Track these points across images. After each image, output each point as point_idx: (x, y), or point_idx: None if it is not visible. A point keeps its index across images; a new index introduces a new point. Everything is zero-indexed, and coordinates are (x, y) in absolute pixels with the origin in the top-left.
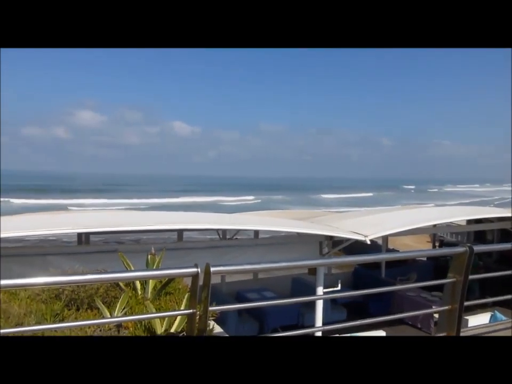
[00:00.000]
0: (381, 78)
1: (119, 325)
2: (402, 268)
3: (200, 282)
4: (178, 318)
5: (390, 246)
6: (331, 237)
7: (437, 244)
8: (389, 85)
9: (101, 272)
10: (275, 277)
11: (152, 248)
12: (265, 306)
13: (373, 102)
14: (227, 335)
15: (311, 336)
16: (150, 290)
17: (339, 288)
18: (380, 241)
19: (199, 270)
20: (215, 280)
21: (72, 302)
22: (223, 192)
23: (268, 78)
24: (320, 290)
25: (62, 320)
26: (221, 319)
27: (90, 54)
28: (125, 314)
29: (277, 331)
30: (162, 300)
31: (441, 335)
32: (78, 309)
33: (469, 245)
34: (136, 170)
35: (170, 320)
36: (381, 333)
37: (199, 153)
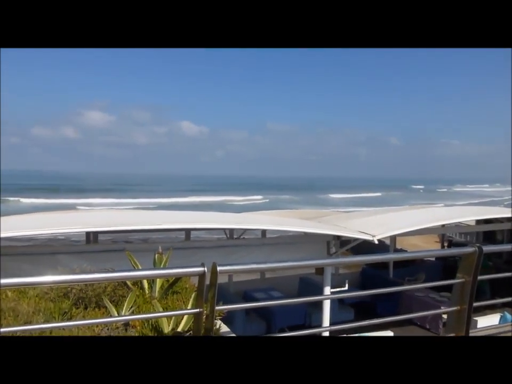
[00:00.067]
0: (389, 77)
1: (126, 324)
2: (411, 268)
3: (207, 281)
4: (185, 317)
5: (398, 246)
6: (338, 237)
7: (445, 244)
8: (400, 84)
9: (108, 271)
10: (282, 277)
11: (160, 247)
12: (272, 306)
13: (379, 101)
14: (234, 335)
15: (318, 336)
16: (157, 289)
17: (346, 288)
18: (387, 241)
19: (205, 269)
20: (222, 279)
21: (80, 301)
22: (231, 192)
23: (273, 78)
24: (327, 290)
25: (70, 319)
26: (228, 318)
27: (97, 54)
28: (133, 313)
29: (284, 331)
30: (170, 299)
31: (450, 335)
32: (86, 308)
33: (478, 245)
34: (144, 170)
35: (177, 319)
36: (389, 333)
37: (206, 152)
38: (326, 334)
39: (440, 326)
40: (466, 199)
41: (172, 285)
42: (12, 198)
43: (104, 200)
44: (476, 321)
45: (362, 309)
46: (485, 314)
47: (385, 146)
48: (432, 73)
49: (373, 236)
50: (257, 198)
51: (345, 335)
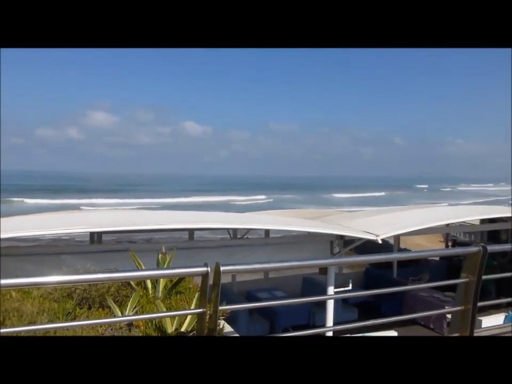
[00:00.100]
0: (393, 76)
1: (130, 324)
2: (415, 267)
3: (210, 281)
4: (189, 317)
5: (402, 246)
6: (342, 236)
7: (449, 244)
8: (400, 84)
9: (112, 271)
10: (286, 276)
11: (163, 247)
12: (276, 305)
13: (379, 101)
14: (237, 335)
15: (322, 336)
16: (160, 289)
17: (350, 288)
18: (391, 241)
19: (208, 269)
20: (226, 279)
21: (84, 301)
22: (234, 192)
23: (274, 78)
24: (331, 290)
25: (74, 319)
26: (231, 318)
27: (97, 54)
28: (136, 313)
29: (287, 331)
30: (173, 299)
31: (454, 335)
32: (89, 308)
33: (482, 244)
34: (148, 170)
35: (180, 319)
36: (393, 333)
37: (210, 152)
38: (330, 334)
39: (445, 326)
40: (470, 198)
41: (175, 285)
42: (16, 199)
43: (108, 201)
44: (481, 321)
45: (366, 308)
46: (490, 314)
47: (388, 146)
48: (432, 73)
49: (377, 236)
50: (260, 198)
51: (349, 335)
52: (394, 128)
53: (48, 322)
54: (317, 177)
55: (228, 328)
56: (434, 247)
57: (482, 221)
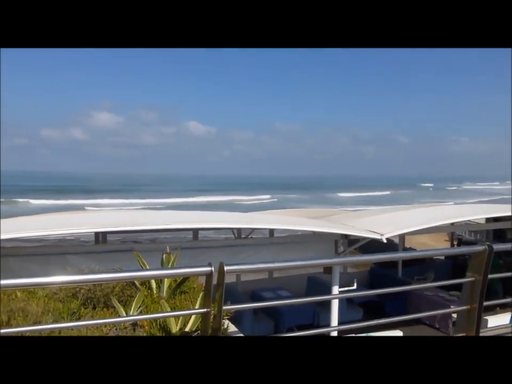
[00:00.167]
0: (398, 75)
1: (134, 324)
2: (420, 267)
3: (215, 281)
4: (193, 317)
5: (407, 245)
6: (346, 236)
7: (455, 243)
8: (403, 83)
9: (116, 271)
10: (290, 276)
11: (167, 247)
12: (280, 305)
13: (386, 99)
14: (242, 335)
15: (326, 336)
16: (165, 289)
17: (355, 287)
18: (396, 240)
19: (212, 269)
20: (230, 279)
21: (89, 301)
22: (239, 192)
23: (276, 77)
24: (335, 289)
25: (78, 319)
26: (236, 318)
27: (97, 54)
28: (141, 313)
29: (292, 330)
30: (177, 299)
31: (460, 335)
32: (94, 308)
33: (488, 243)
34: (152, 170)
35: (185, 319)
36: (398, 332)
37: (214, 152)
38: (335, 333)
39: (450, 326)
40: (476, 197)
41: (180, 285)
42: (21, 199)
43: (112, 201)
44: (487, 320)
45: (371, 308)
46: (496, 313)
47: (392, 145)
48: (433, 73)
49: (382, 235)
50: (265, 198)
51: (353, 335)
52: (397, 127)
53: (53, 322)
54: (321, 177)
55: (232, 328)
56: (439, 246)
57: (488, 220)
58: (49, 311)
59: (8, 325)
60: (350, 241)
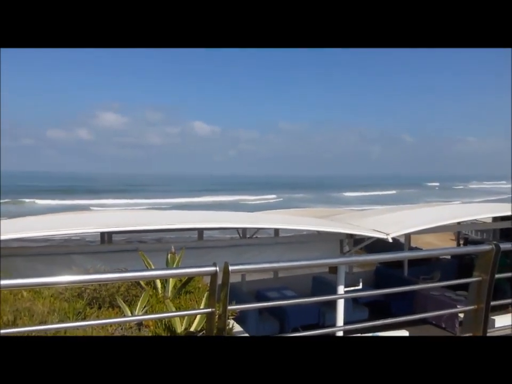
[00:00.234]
0: (404, 74)
1: (140, 324)
2: (426, 266)
3: (219, 281)
4: (198, 316)
5: (413, 245)
6: (352, 235)
7: (461, 242)
8: (408, 83)
9: (122, 271)
10: (295, 276)
11: (172, 247)
12: (286, 305)
13: (391, 98)
14: (247, 335)
15: (332, 336)
16: (170, 289)
17: (360, 287)
18: (402, 240)
19: (217, 268)
20: (235, 279)
21: (94, 301)
22: (244, 191)
23: (277, 77)
24: (341, 289)
25: (84, 319)
26: (241, 317)
27: (97, 54)
28: (146, 313)
29: (297, 330)
30: (182, 299)
31: (466, 335)
32: (99, 308)
33: (495, 242)
34: (158, 170)
35: (190, 319)
36: (404, 332)
37: (219, 152)
38: (340, 333)
39: (457, 326)
40: (483, 196)
41: (185, 285)
42: (27, 200)
43: (118, 201)
44: (494, 320)
45: (377, 308)
46: (505, 313)
47: (397, 144)
48: (435, 72)
49: (387, 234)
50: (270, 197)
51: (359, 335)
52: (398, 127)
53: (58, 322)
54: (326, 176)
55: (237, 328)
56: (445, 246)
57: (495, 219)
58: (55, 311)
59: (15, 324)
60: (355, 241)
